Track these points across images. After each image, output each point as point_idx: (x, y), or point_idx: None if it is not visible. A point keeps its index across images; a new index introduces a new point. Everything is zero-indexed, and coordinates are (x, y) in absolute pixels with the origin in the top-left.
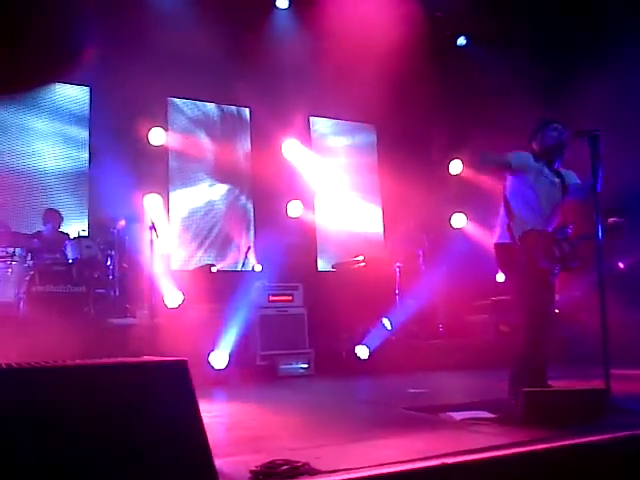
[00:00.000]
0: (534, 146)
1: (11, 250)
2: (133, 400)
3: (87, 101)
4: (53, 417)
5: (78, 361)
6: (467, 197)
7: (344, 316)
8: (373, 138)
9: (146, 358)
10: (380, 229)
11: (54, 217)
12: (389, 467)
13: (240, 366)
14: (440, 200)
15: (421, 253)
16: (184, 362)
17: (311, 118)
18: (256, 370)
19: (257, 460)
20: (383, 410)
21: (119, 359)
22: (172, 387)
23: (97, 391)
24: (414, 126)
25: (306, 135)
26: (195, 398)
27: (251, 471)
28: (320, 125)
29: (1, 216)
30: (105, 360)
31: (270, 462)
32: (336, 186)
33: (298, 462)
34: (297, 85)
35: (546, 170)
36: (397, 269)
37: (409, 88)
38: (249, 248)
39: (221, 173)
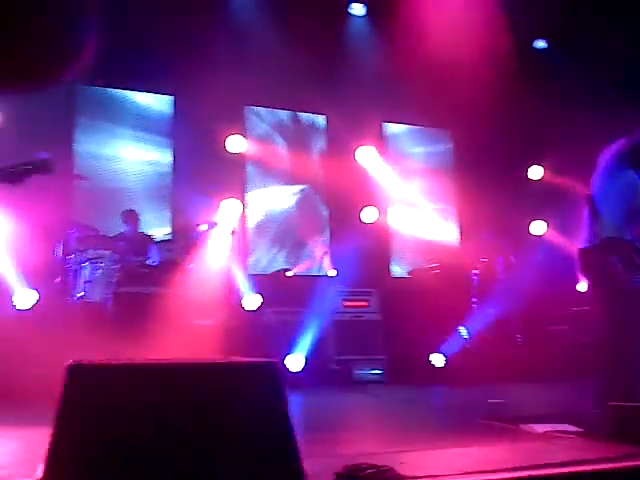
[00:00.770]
0: None
1: (100, 252)
2: (226, 399)
3: (171, 109)
4: (151, 414)
5: (175, 360)
6: (547, 204)
7: (419, 323)
8: (449, 143)
9: (237, 358)
10: (456, 236)
11: (132, 217)
12: (474, 476)
13: (315, 370)
14: (519, 207)
15: (500, 261)
16: (275, 363)
17: (386, 124)
18: (331, 374)
19: (340, 463)
20: (461, 419)
21: (212, 359)
22: (263, 387)
23: (193, 390)
24: (491, 131)
25: (380, 141)
26: (285, 398)
27: (336, 473)
28: (395, 131)
29: (89, 219)
30: (198, 360)
31: (355, 465)
32: (411, 192)
33: (383, 466)
34: (372, 91)
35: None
36: (474, 277)
37: (486, 93)
38: (325, 253)
39: (297, 179)
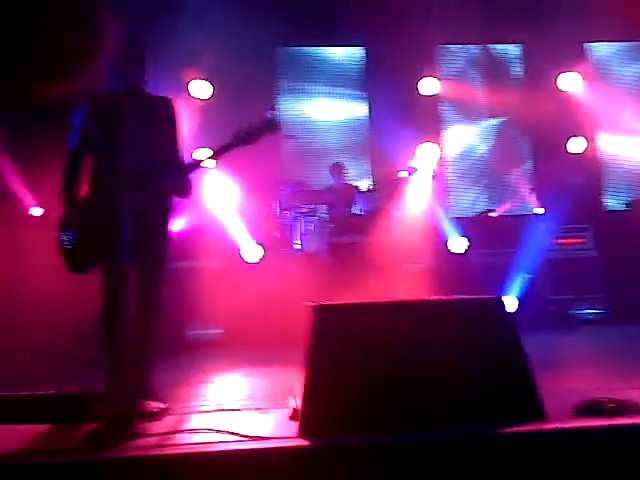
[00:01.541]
0: None
1: (312, 206)
2: (461, 335)
3: (363, 61)
4: (391, 348)
5: (408, 299)
6: None
7: None
8: None
9: (467, 296)
10: None
11: (339, 169)
12: None
13: (530, 311)
14: None
15: None
16: (499, 298)
17: (588, 44)
18: (547, 316)
19: (577, 398)
20: None
21: (444, 297)
22: (495, 321)
23: (430, 325)
24: None
25: (584, 64)
26: (517, 331)
27: (575, 407)
28: (600, 51)
29: (299, 175)
30: (430, 298)
31: (595, 399)
32: (623, 118)
33: (625, 400)
34: (569, 10)
35: None
36: None
37: None
38: (532, 190)
39: (494, 114)
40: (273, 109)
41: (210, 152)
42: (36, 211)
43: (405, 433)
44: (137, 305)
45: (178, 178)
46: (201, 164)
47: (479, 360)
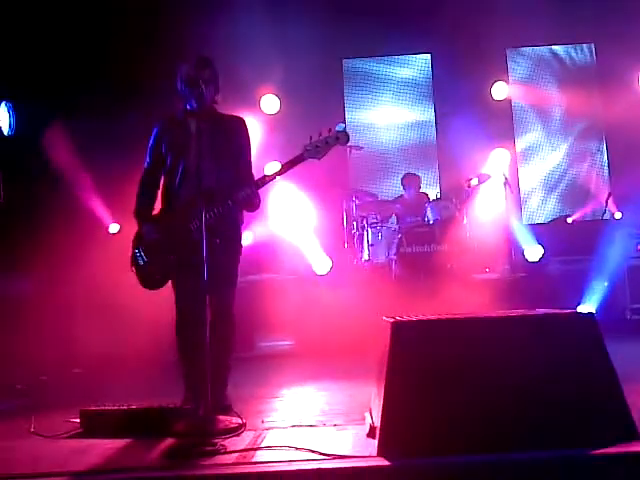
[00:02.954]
0: None
1: (380, 217)
2: (547, 350)
3: (428, 67)
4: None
5: (489, 313)
6: None
7: None
8: None
9: (554, 310)
10: None
11: (414, 180)
12: None
13: (609, 320)
14: None
15: None
16: (593, 315)
17: None
18: (626, 324)
19: None
20: None
21: (526, 311)
22: (583, 337)
23: (512, 341)
24: None
25: None
26: (605, 348)
27: None
28: None
29: (367, 186)
30: (511, 313)
31: None
32: None
33: None
34: None
35: None
36: None
37: None
38: (609, 195)
39: (570, 118)
40: (341, 121)
41: (279, 166)
42: (114, 228)
43: (489, 454)
44: (211, 319)
45: (249, 194)
46: (271, 178)
47: (565, 378)
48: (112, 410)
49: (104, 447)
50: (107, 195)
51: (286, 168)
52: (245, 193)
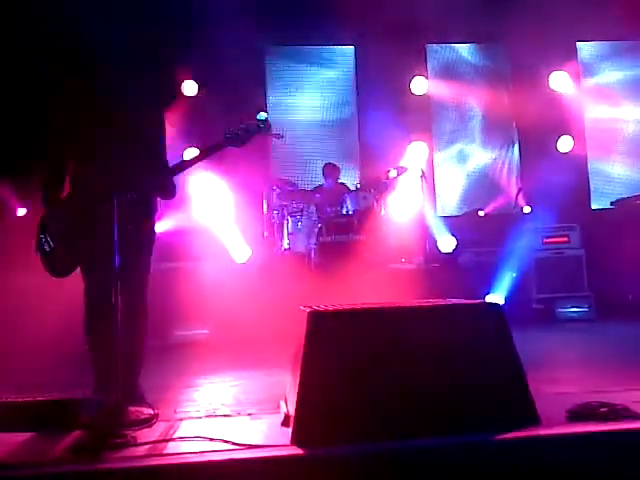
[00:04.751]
0: None
1: (300, 206)
2: (455, 339)
3: (352, 60)
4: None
5: (402, 304)
6: None
7: (627, 257)
8: None
9: (462, 300)
10: None
11: (333, 171)
12: None
13: (516, 309)
14: None
15: None
16: (499, 305)
17: (578, 44)
18: (532, 313)
19: (569, 401)
20: None
21: (438, 301)
22: (490, 326)
23: (424, 330)
24: None
25: (574, 63)
26: (511, 337)
27: (568, 411)
28: (589, 51)
29: (286, 174)
30: (425, 303)
31: (587, 403)
32: (611, 116)
33: (617, 405)
34: (559, 8)
35: None
36: None
37: None
38: (519, 190)
39: (484, 113)
40: (262, 109)
41: (198, 152)
42: (21, 211)
43: (399, 441)
44: (123, 308)
45: (163, 180)
46: (188, 165)
47: (473, 365)
48: (15, 402)
49: (4, 442)
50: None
51: (205, 155)
52: (159, 178)
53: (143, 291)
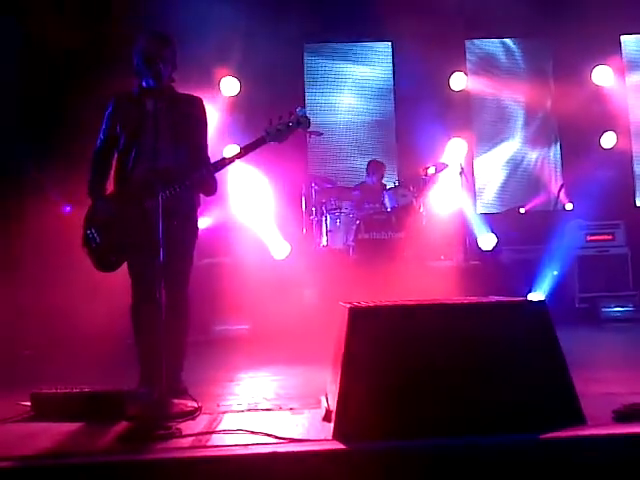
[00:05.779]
0: None
1: (338, 203)
2: (498, 337)
3: (389, 56)
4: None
5: (444, 300)
6: None
7: None
8: None
9: (505, 298)
10: None
11: (379, 168)
12: None
13: (558, 308)
14: None
15: None
16: (544, 302)
17: (623, 37)
18: (575, 312)
19: (615, 401)
20: None
21: (481, 299)
22: (535, 324)
23: (467, 327)
24: None
25: (618, 58)
26: (555, 335)
27: (614, 411)
28: (634, 45)
29: (323, 171)
30: (467, 300)
31: (634, 404)
32: None
33: None
34: (602, 1)
35: None
36: None
37: None
38: (561, 186)
39: (525, 109)
40: (302, 105)
41: (239, 149)
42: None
43: (442, 438)
44: (166, 302)
45: (205, 176)
46: (229, 162)
47: (517, 363)
48: (64, 393)
49: (55, 431)
50: (60, 176)
51: (246, 151)
52: (201, 174)
53: (186, 286)
